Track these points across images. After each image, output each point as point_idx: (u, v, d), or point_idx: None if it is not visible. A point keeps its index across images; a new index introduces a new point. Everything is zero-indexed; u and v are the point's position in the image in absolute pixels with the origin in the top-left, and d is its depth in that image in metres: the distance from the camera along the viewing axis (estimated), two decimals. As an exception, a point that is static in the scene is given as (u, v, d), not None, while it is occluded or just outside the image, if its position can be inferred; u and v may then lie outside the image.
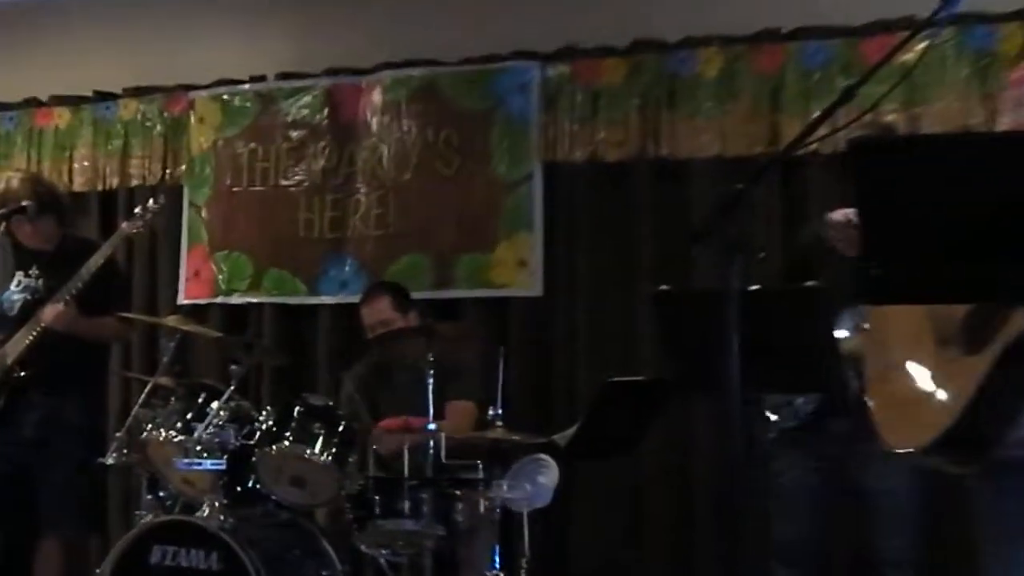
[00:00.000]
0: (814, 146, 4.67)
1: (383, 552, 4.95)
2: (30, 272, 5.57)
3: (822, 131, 3.07)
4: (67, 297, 5.41)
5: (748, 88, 5.91)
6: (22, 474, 5.51)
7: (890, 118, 5.34)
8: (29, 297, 5.52)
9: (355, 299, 6.44)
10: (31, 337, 5.42)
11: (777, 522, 4.47)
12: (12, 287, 5.59)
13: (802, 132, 3.28)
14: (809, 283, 3.71)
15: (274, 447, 4.97)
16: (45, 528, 5.56)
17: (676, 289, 4.06)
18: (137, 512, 5.42)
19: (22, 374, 5.42)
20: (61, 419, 5.51)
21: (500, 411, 4.81)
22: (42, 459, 5.50)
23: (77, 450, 5.53)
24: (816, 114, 5.58)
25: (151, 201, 5.82)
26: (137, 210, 5.81)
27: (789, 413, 4.41)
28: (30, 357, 5.43)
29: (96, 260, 5.49)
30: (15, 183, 5.62)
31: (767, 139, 5.83)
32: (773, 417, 4.46)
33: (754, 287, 3.33)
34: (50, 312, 5.39)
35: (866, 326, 3.73)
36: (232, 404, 5.10)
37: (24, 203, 5.48)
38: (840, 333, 3.74)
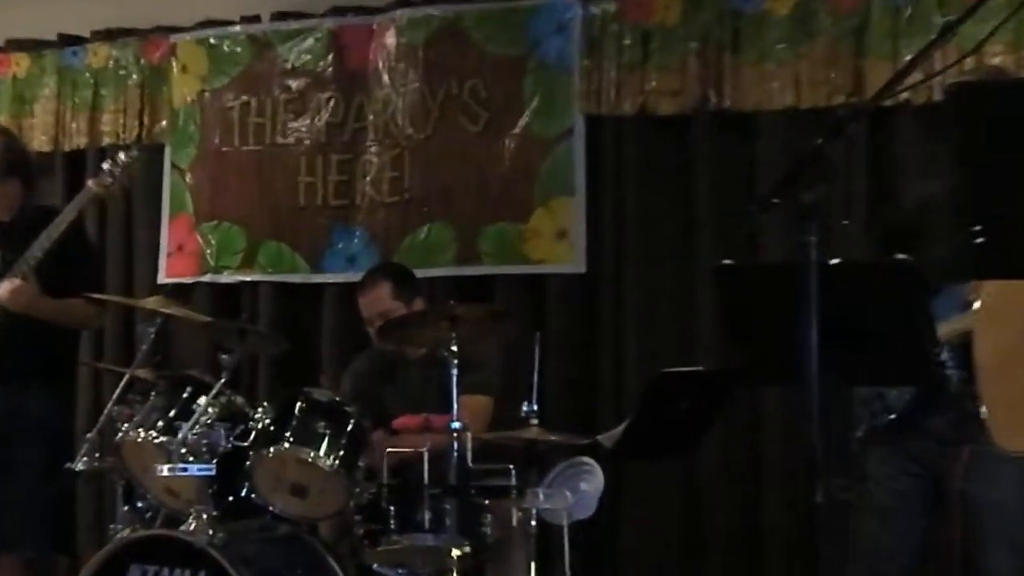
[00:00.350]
0: (905, 95, 4.67)
1: (399, 571, 4.94)
2: None
3: (915, 77, 3.06)
4: (24, 270, 5.40)
5: (826, 27, 5.89)
6: None
7: (997, 61, 5.31)
8: None
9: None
10: None
11: (866, 535, 4.46)
12: None
13: (891, 79, 3.27)
14: (900, 256, 3.68)
15: (271, 450, 4.97)
16: (3, 547, 5.56)
17: (741, 263, 4.05)
18: (112, 526, 5.46)
19: None
20: (21, 419, 5.52)
21: (535, 407, 4.80)
22: (3, 461, 5.51)
23: (40, 455, 5.53)
24: (908, 57, 5.64)
25: (121, 153, 5.78)
26: (105, 164, 5.72)
27: (880, 408, 4.40)
28: None
29: (58, 226, 5.45)
30: None
31: (849, 87, 5.81)
32: (861, 412, 4.45)
33: (835, 260, 3.32)
34: (6, 288, 5.37)
35: (976, 306, 3.72)
36: (222, 399, 5.09)
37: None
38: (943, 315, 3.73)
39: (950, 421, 4.38)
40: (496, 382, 5.50)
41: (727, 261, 3.77)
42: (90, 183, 5.69)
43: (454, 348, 4.79)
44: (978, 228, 2.43)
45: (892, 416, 4.40)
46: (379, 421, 5.37)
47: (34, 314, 5.45)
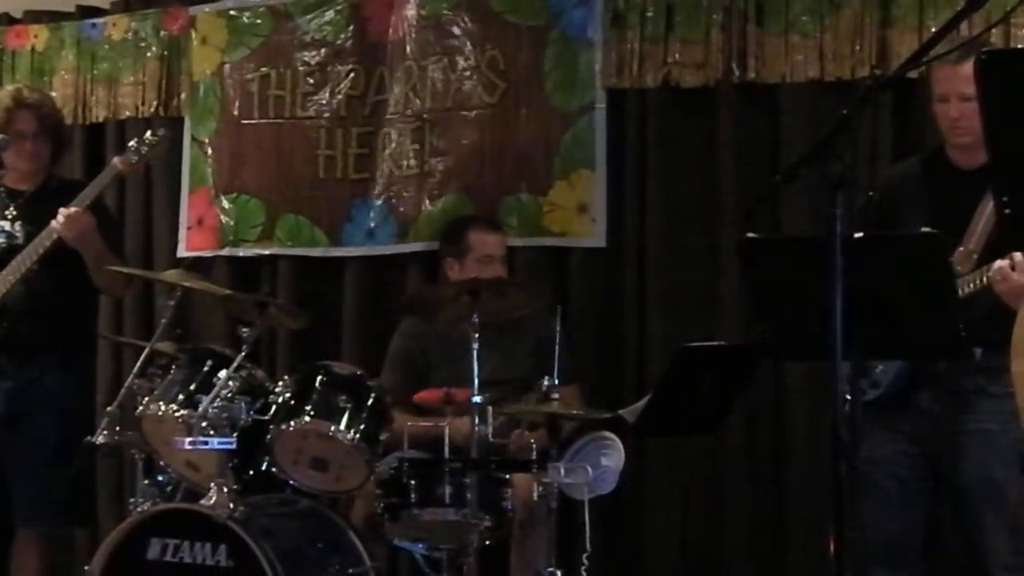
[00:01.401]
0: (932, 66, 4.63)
1: (420, 546, 4.98)
2: (6, 214, 5.58)
3: (942, 48, 3.05)
4: (84, 204, 5.40)
5: (851, -3, 5.86)
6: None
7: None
8: (3, 242, 5.52)
9: (384, 250, 6.49)
10: (32, 257, 5.43)
11: (870, 519, 4.45)
12: None
13: (918, 50, 3.26)
14: (926, 229, 3.68)
15: (292, 423, 4.99)
16: (19, 522, 5.60)
17: (766, 236, 4.04)
18: (132, 500, 5.46)
19: (3, 324, 5.45)
20: (37, 395, 5.55)
21: (557, 381, 4.80)
22: (15, 440, 5.54)
23: (56, 431, 5.56)
24: (934, 28, 5.61)
25: (149, 133, 5.81)
26: (132, 143, 5.77)
27: (867, 384, 4.40)
28: (16, 309, 5.46)
29: (81, 201, 5.49)
30: (28, 92, 5.67)
31: (874, 59, 5.78)
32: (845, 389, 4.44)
33: (859, 234, 3.32)
34: (66, 215, 5.36)
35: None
36: (243, 373, 5.12)
37: (-1, 136, 5.50)
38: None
39: (939, 397, 4.38)
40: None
41: (751, 235, 3.77)
42: (115, 160, 5.70)
43: (476, 321, 4.79)
44: (1006, 199, 2.43)
45: (879, 393, 4.40)
46: (420, 386, 5.38)
47: (83, 248, 5.45)
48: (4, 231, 5.54)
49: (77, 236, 5.41)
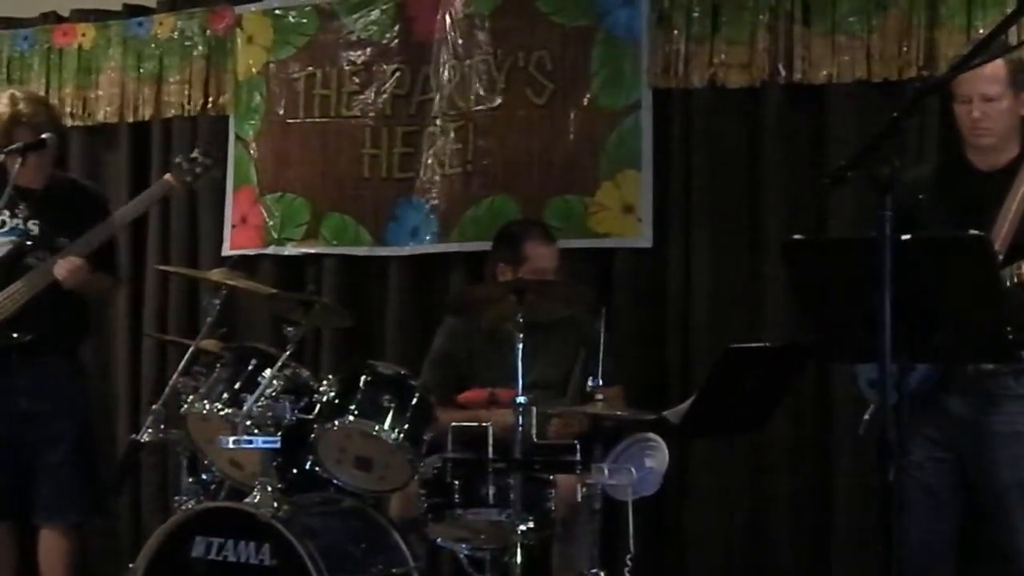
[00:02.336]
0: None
1: (463, 546, 4.97)
2: (17, 212, 5.61)
3: (992, 50, 3.03)
4: (85, 251, 5.48)
5: (899, -1, 5.84)
6: (18, 453, 5.60)
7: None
8: (18, 242, 5.54)
9: (428, 250, 6.50)
10: (30, 292, 5.47)
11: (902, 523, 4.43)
12: None
13: (968, 52, 3.24)
14: (974, 232, 3.66)
15: (336, 423, 5.00)
16: (43, 515, 5.66)
17: (812, 238, 4.04)
18: (176, 498, 5.50)
19: (14, 336, 5.48)
20: (47, 393, 5.62)
21: (601, 382, 4.80)
22: (33, 437, 5.60)
23: (70, 427, 5.64)
24: (981, 30, 5.59)
25: (198, 152, 5.87)
26: (179, 159, 5.85)
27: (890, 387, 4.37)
28: (20, 317, 5.49)
29: (127, 215, 5.59)
30: (23, 106, 5.66)
31: (921, 60, 5.75)
32: (870, 394, 4.42)
33: (907, 236, 3.31)
34: (64, 267, 5.44)
35: None
36: (287, 372, 5.13)
37: (44, 136, 5.53)
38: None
39: (968, 399, 4.36)
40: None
41: (797, 236, 3.77)
42: (168, 177, 5.78)
43: (520, 319, 4.79)
44: None
45: (909, 393, 4.38)
46: (461, 386, 5.38)
47: (79, 290, 5.54)
48: (18, 228, 5.57)
49: (75, 286, 5.49)
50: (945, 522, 4.53)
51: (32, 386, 5.57)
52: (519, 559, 4.69)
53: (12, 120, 5.56)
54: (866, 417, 4.46)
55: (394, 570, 5.07)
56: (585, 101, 6.33)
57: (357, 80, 6.81)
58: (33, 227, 5.58)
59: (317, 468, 5.10)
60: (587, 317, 5.28)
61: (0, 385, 5.53)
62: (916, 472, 4.43)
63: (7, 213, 5.61)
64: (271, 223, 6.94)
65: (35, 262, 5.53)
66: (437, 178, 6.62)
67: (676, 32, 6.17)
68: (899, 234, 3.22)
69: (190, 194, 7.10)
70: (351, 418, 4.98)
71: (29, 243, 5.55)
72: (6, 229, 5.61)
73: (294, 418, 5.03)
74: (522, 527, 4.71)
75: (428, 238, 6.58)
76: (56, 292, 5.47)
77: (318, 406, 5.06)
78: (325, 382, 5.16)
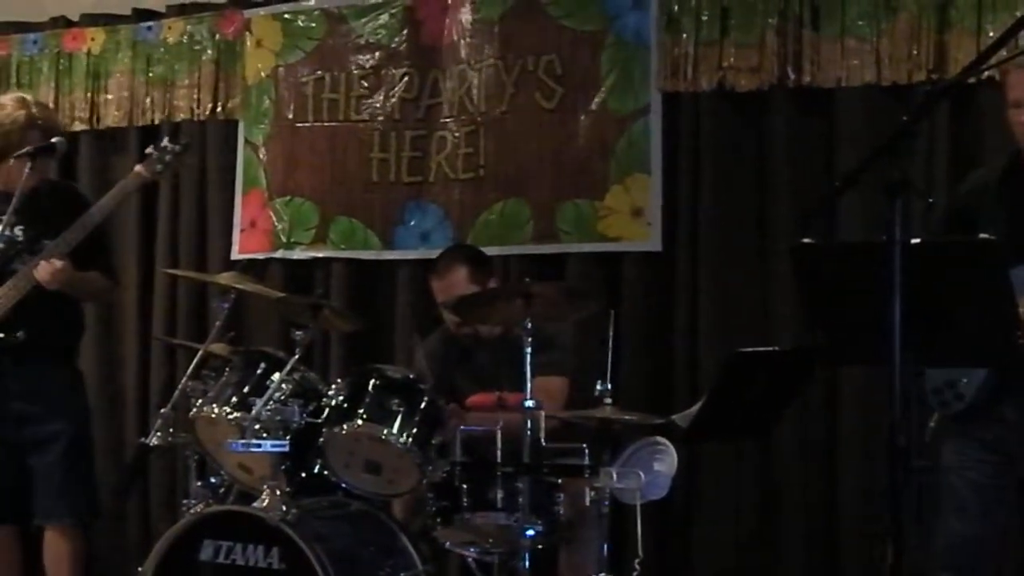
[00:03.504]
0: (991, 72, 4.60)
1: (471, 550, 4.96)
2: (1, 218, 5.60)
3: (1002, 53, 3.02)
4: (63, 250, 5.45)
5: (908, 2, 5.81)
6: (13, 455, 5.59)
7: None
8: (3, 247, 5.49)
9: (437, 254, 6.46)
10: (16, 296, 5.45)
11: (941, 524, 4.42)
12: None
13: (979, 56, 3.23)
14: (984, 236, 3.65)
15: (345, 427, 4.99)
16: (39, 517, 5.66)
17: (821, 242, 4.02)
18: (185, 501, 5.50)
19: (2, 336, 5.47)
20: (41, 395, 5.61)
21: (610, 386, 4.79)
22: (28, 439, 5.60)
23: (64, 428, 5.63)
24: (991, 33, 5.58)
25: (167, 140, 5.84)
26: (150, 150, 5.78)
27: (952, 396, 4.37)
28: (10, 320, 5.47)
29: (102, 209, 5.54)
30: (36, 109, 5.65)
31: (931, 64, 5.74)
32: (933, 401, 4.41)
33: (917, 240, 3.30)
34: (46, 269, 5.42)
35: None
36: (296, 376, 5.13)
37: (55, 140, 5.53)
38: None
39: (1022, 403, 4.34)
40: (570, 362, 5.49)
41: (807, 240, 3.75)
42: (139, 168, 5.74)
43: (528, 326, 4.78)
44: None
45: (964, 405, 4.37)
46: (452, 401, 5.38)
47: (64, 291, 5.51)
48: (4, 236, 5.49)
49: (59, 287, 5.47)
50: (992, 520, 4.50)
51: (24, 389, 5.56)
52: (527, 563, 4.69)
53: (28, 122, 5.57)
54: (931, 424, 4.45)
55: (402, 573, 5.06)
56: (594, 105, 6.33)
57: (366, 84, 6.81)
58: (18, 232, 5.54)
59: (326, 472, 5.10)
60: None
61: None
62: (965, 471, 4.42)
63: None
64: (280, 227, 6.94)
65: (21, 267, 5.51)
66: (447, 182, 6.62)
67: (685, 36, 6.16)
68: (908, 238, 3.21)
69: (199, 198, 7.13)
70: (360, 422, 4.97)
71: (18, 247, 5.53)
72: None
73: (303, 422, 5.03)
74: (530, 531, 4.69)
75: (440, 242, 6.56)
76: (46, 294, 5.45)
77: (327, 410, 5.05)
78: (334, 386, 5.15)
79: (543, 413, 4.83)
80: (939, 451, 4.44)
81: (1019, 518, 4.59)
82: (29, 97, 5.81)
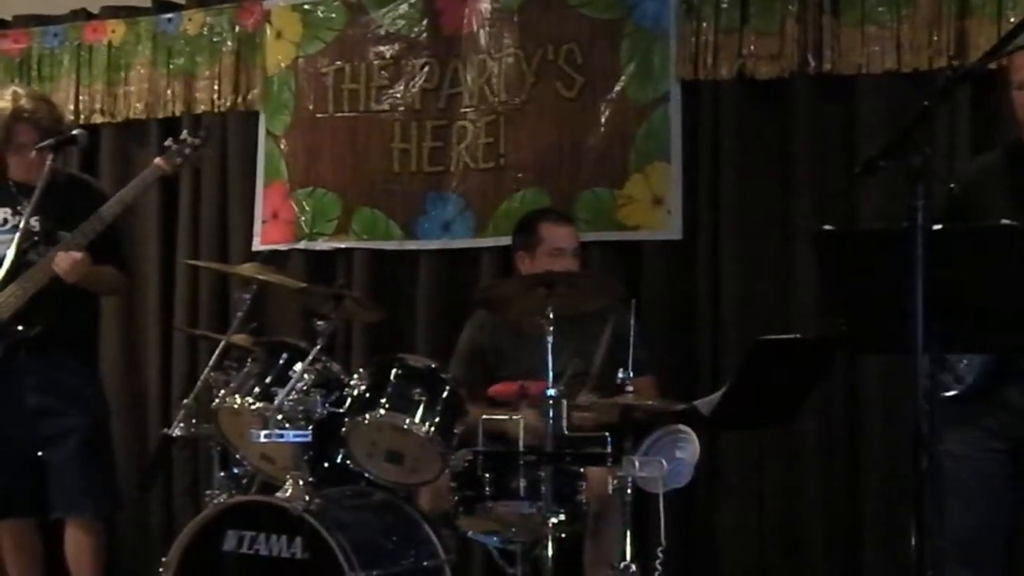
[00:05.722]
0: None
1: (494, 539, 4.97)
2: (19, 209, 5.62)
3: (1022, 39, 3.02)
4: (80, 242, 5.49)
5: (929, -13, 5.81)
6: (31, 449, 5.63)
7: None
8: (20, 239, 5.49)
9: (459, 244, 6.49)
10: (34, 288, 5.48)
11: (950, 517, 4.41)
12: None
13: (1000, 41, 3.22)
14: (1006, 222, 3.64)
15: (367, 416, 4.99)
16: (58, 511, 5.70)
17: (843, 229, 4.01)
18: (208, 492, 5.49)
19: (20, 329, 5.49)
20: (58, 390, 5.65)
21: (632, 374, 4.79)
22: (45, 433, 5.64)
23: (81, 422, 5.67)
24: (1012, 19, 5.56)
25: (186, 133, 5.87)
26: (169, 143, 5.82)
27: (950, 379, 4.35)
28: (27, 312, 5.50)
29: (120, 201, 5.56)
30: (25, 102, 5.67)
31: (951, 50, 5.73)
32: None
33: (938, 226, 3.29)
34: (65, 261, 5.44)
35: None
36: (318, 366, 5.13)
37: (75, 132, 5.54)
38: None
39: None
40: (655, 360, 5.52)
41: (828, 227, 3.74)
42: (158, 161, 5.75)
43: (550, 315, 4.78)
44: None
45: (963, 387, 4.35)
46: (488, 380, 5.38)
47: (82, 284, 5.54)
48: (18, 227, 5.50)
49: (78, 279, 5.50)
50: (998, 509, 4.50)
51: (40, 382, 5.59)
52: (550, 552, 4.69)
53: (13, 116, 5.58)
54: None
55: (425, 563, 5.07)
56: (614, 94, 6.32)
57: (386, 74, 6.81)
58: (34, 224, 5.55)
59: (348, 461, 5.11)
60: (615, 309, 5.27)
61: (8, 382, 5.54)
62: (970, 461, 4.41)
63: (7, 210, 5.64)
64: (302, 218, 6.94)
65: (37, 259, 5.52)
66: (468, 172, 6.62)
67: (705, 24, 6.15)
68: (931, 224, 3.20)
69: (221, 189, 7.13)
70: (382, 412, 4.97)
71: (34, 238, 5.54)
72: (8, 227, 5.63)
73: (325, 412, 5.03)
74: (553, 520, 4.70)
75: (462, 232, 6.57)
76: (62, 286, 5.48)
77: (349, 400, 5.05)
78: (356, 376, 5.15)
79: (565, 402, 4.83)
80: (941, 437, 4.42)
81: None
82: (23, 90, 5.82)
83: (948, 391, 4.33)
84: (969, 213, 4.44)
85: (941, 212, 4.51)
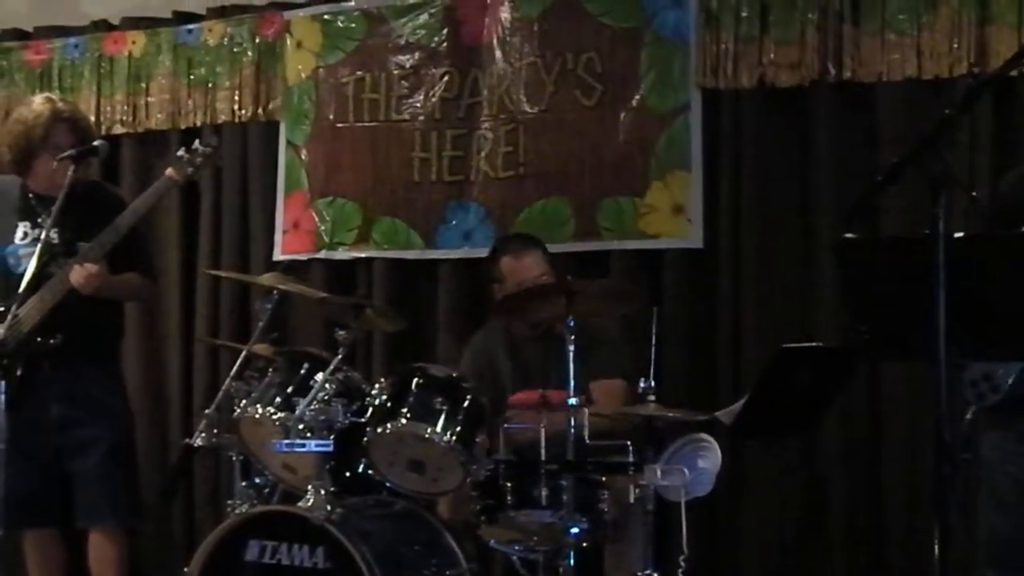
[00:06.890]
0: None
1: (516, 548, 4.96)
2: (39, 222, 5.61)
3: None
4: (98, 254, 5.47)
5: (950, -6, 5.80)
6: (54, 460, 5.62)
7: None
8: (41, 252, 5.38)
9: (480, 253, 6.46)
10: (52, 300, 5.47)
11: (982, 520, 4.39)
12: (17, 240, 5.66)
13: (1021, 48, 3.21)
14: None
15: (388, 426, 5.00)
16: (82, 520, 5.69)
17: (864, 237, 4.00)
18: (229, 502, 5.49)
19: (39, 340, 5.48)
20: (82, 399, 5.64)
21: (653, 383, 4.79)
22: (69, 443, 5.63)
23: (105, 432, 5.66)
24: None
25: (198, 142, 5.86)
26: (181, 152, 5.79)
27: (988, 388, 4.33)
28: (48, 323, 5.49)
29: (135, 212, 5.56)
30: (61, 104, 5.69)
31: (972, 57, 5.72)
32: (968, 394, 4.38)
33: (960, 234, 3.28)
34: (80, 274, 5.44)
35: None
36: (339, 376, 5.13)
37: (96, 143, 5.55)
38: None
39: None
40: (629, 364, 5.47)
41: (849, 235, 3.74)
42: (169, 171, 5.73)
43: (571, 323, 4.78)
44: None
45: (1000, 396, 4.33)
46: (499, 398, 5.38)
47: (100, 295, 5.53)
48: (40, 240, 5.42)
49: (94, 291, 5.48)
50: None
51: (63, 392, 5.58)
52: (572, 561, 4.70)
53: (53, 116, 5.59)
54: (968, 417, 4.42)
55: (447, 572, 5.07)
56: (634, 102, 6.33)
57: (406, 84, 6.82)
58: (54, 235, 5.51)
59: (370, 471, 5.11)
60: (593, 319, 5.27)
61: (32, 393, 5.51)
62: (1004, 466, 4.39)
63: (27, 224, 5.65)
64: (323, 228, 6.95)
65: (57, 271, 5.51)
66: (488, 181, 6.62)
67: (724, 32, 6.16)
68: (952, 232, 3.20)
69: (241, 199, 7.14)
70: (403, 421, 4.97)
71: (53, 250, 5.53)
72: (28, 240, 5.62)
73: (346, 421, 5.03)
74: (575, 529, 4.69)
75: (482, 241, 6.56)
76: (82, 297, 5.47)
77: (370, 409, 5.06)
78: (377, 385, 5.16)
79: (587, 411, 4.83)
80: (978, 445, 4.41)
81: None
82: (56, 96, 5.85)
83: (987, 401, 4.31)
84: (1016, 224, 4.41)
85: (976, 220, 4.52)
